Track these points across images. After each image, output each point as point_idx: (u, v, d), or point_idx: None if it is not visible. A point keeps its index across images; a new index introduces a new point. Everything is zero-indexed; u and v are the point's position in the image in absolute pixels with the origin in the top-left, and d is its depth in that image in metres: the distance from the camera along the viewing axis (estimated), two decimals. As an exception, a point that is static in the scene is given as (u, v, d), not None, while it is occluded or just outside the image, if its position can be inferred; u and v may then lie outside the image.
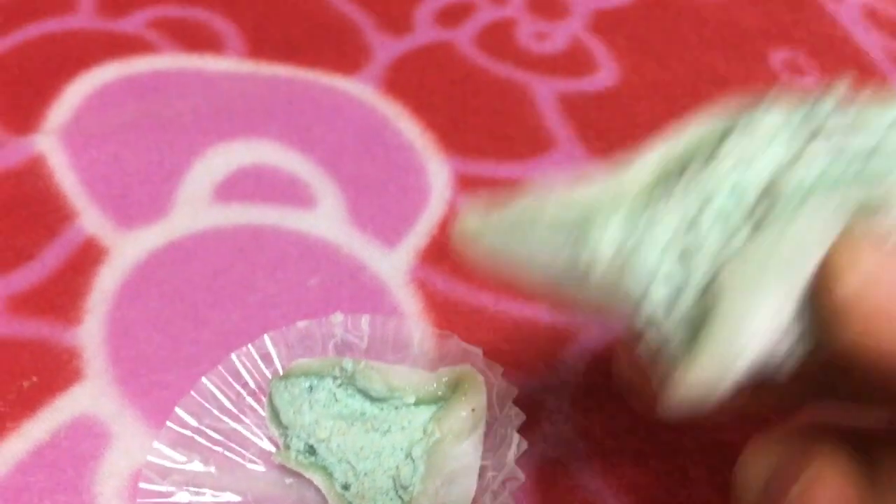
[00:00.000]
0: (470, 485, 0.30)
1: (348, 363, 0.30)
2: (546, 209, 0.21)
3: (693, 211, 0.20)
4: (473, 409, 0.29)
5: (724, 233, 0.19)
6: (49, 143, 0.42)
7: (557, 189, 0.21)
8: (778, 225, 0.18)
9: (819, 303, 0.17)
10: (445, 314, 0.37)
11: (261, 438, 0.32)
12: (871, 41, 0.50)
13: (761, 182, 0.19)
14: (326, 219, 0.41)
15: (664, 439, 0.34)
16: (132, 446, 0.33)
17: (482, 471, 0.30)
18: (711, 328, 0.18)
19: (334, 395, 0.30)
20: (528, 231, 0.21)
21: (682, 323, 0.19)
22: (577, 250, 0.20)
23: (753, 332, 0.17)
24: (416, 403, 0.30)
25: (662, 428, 0.34)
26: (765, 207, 0.19)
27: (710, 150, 0.20)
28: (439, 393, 0.30)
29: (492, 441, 0.31)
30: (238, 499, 0.30)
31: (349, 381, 0.30)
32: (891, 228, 0.18)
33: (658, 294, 0.19)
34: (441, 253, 0.40)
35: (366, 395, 0.30)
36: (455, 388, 0.30)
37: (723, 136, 0.20)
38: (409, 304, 0.37)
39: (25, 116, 0.43)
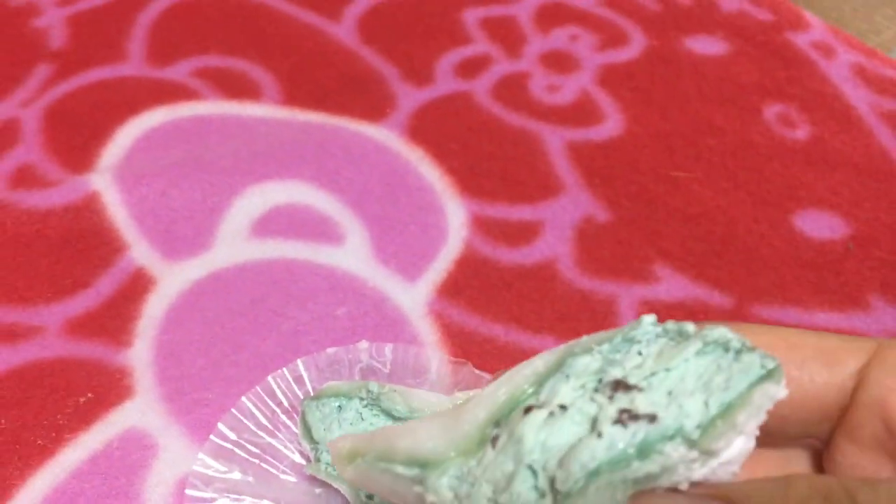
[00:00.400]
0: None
1: (374, 386, 0.34)
2: (397, 450, 0.22)
3: (510, 467, 0.20)
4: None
5: (531, 496, 0.20)
6: (103, 182, 0.46)
7: (408, 428, 0.23)
8: None
9: None
10: (460, 343, 0.41)
11: (293, 452, 0.36)
12: (858, 96, 0.54)
13: (560, 451, 0.20)
14: (353, 254, 0.45)
15: None
16: (177, 457, 0.36)
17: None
18: None
19: (361, 414, 0.34)
20: (386, 466, 0.22)
21: None
22: (423, 490, 0.22)
23: None
24: (434, 423, 0.33)
25: None
26: (560, 482, 0.19)
27: (532, 396, 0.21)
28: (454, 414, 0.33)
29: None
30: (273, 505, 0.34)
31: (374, 402, 0.34)
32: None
33: None
34: (457, 287, 0.43)
35: (389, 414, 0.34)
36: (469, 409, 0.33)
37: (541, 382, 0.21)
38: (428, 333, 0.41)
39: (81, 157, 0.48)
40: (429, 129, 0.51)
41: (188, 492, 0.33)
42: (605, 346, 0.21)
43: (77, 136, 0.49)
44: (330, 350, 0.38)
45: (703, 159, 0.50)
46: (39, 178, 0.46)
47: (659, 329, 0.22)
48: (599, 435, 0.19)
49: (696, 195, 0.48)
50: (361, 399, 0.34)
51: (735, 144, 0.51)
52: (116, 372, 0.39)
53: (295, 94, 0.52)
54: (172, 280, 0.43)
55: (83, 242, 0.44)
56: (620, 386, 0.20)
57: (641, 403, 0.20)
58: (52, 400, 0.38)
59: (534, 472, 0.20)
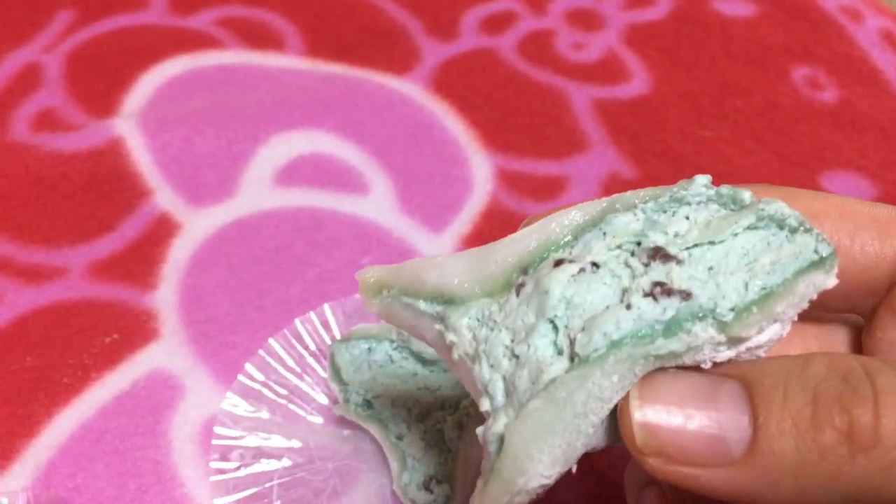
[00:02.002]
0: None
1: (405, 328, 0.34)
2: (424, 283, 0.21)
3: (532, 318, 0.19)
4: (516, 373, 0.33)
5: (548, 352, 0.19)
6: (127, 127, 0.46)
7: (436, 262, 0.21)
8: (580, 372, 0.18)
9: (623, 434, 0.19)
10: (486, 294, 0.41)
11: (320, 395, 0.36)
12: (886, 60, 0.53)
13: (585, 311, 0.19)
14: (378, 205, 0.44)
15: None
16: (203, 399, 0.36)
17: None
18: (501, 465, 0.19)
19: (390, 356, 0.34)
20: (410, 302, 0.22)
21: (496, 437, 0.19)
22: (443, 328, 0.21)
23: (530, 476, 0.19)
24: (464, 367, 0.33)
25: None
26: (580, 345, 0.19)
27: (564, 248, 0.20)
28: (485, 358, 0.33)
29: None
30: (300, 445, 0.34)
31: (404, 344, 0.34)
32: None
33: (496, 392, 0.20)
34: (482, 239, 0.43)
35: (418, 358, 0.34)
36: (499, 354, 0.33)
37: (576, 235, 0.20)
38: (454, 284, 0.41)
39: (104, 102, 0.47)
40: (454, 84, 0.51)
41: (217, 429, 0.33)
42: (651, 205, 0.20)
43: (99, 81, 0.48)
44: (357, 296, 0.38)
45: (729, 119, 0.50)
46: (62, 122, 0.46)
47: (712, 192, 0.20)
48: (628, 306, 0.18)
49: (723, 154, 0.48)
50: (391, 341, 0.34)
51: (762, 105, 0.51)
52: (142, 314, 0.39)
53: (318, 46, 0.52)
54: (197, 226, 0.42)
55: (107, 186, 0.43)
56: (659, 254, 0.19)
57: (677, 277, 0.19)
58: (77, 340, 0.38)
59: (555, 328, 0.19)
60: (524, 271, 0.20)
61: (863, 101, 0.51)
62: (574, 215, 0.21)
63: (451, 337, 0.21)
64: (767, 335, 0.19)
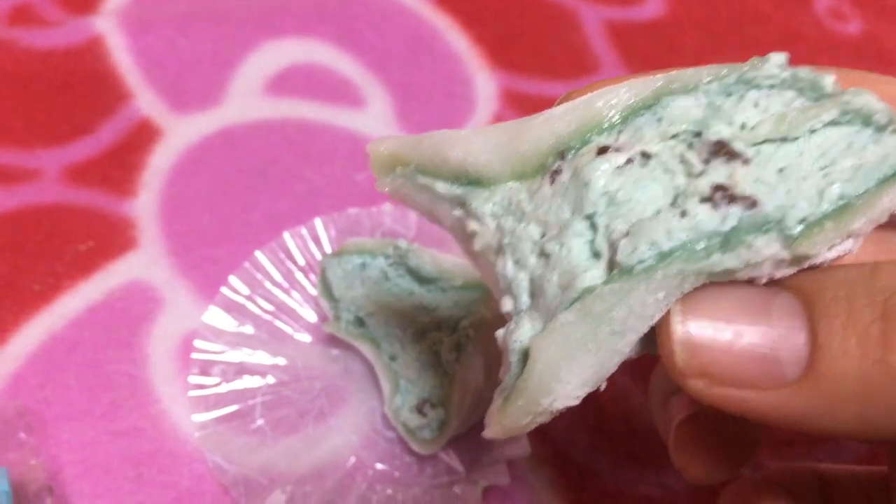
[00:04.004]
0: (508, 369, 0.31)
1: (403, 243, 0.31)
2: (446, 159, 0.19)
3: (567, 213, 0.17)
4: (519, 295, 0.31)
5: (583, 255, 0.17)
6: (107, 25, 0.43)
7: (461, 136, 0.19)
8: (621, 285, 0.16)
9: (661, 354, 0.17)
10: (487, 217, 0.38)
11: (309, 312, 0.33)
12: (914, -5, 0.51)
13: (630, 212, 0.16)
14: (374, 120, 0.42)
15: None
16: (183, 313, 0.34)
17: (519, 358, 0.32)
18: (525, 384, 0.17)
19: (385, 273, 0.32)
20: (427, 182, 0.19)
21: (519, 348, 0.17)
22: (463, 214, 0.19)
23: (556, 398, 0.17)
24: (464, 287, 0.31)
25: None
26: (623, 253, 0.16)
27: (610, 131, 0.17)
28: (486, 279, 0.31)
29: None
30: (286, 363, 0.32)
31: (401, 260, 0.31)
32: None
33: (520, 293, 0.18)
34: (484, 161, 0.41)
35: (415, 276, 0.31)
36: (502, 274, 0.31)
37: (626, 118, 0.17)
38: (453, 205, 0.39)
39: (83, -2, 0.44)
40: (458, -3, 0.48)
41: (197, 342, 0.31)
42: (714, 86, 0.17)
43: (79, -23, 0.45)
44: (351, 210, 0.35)
45: (748, 48, 0.47)
46: (39, 18, 0.43)
47: (787, 74, 0.17)
48: (683, 213, 0.16)
49: (739, 84, 0.45)
50: (387, 257, 0.32)
51: (782, 34, 0.48)
52: (119, 222, 0.36)
53: (315, -49, 0.49)
54: (180, 133, 0.40)
55: (85, 87, 0.40)
56: (722, 150, 0.16)
57: (742, 180, 0.16)
58: (49, 246, 0.35)
59: (593, 227, 0.17)
60: (561, 155, 0.17)
61: (887, 37, 0.49)
62: (624, 94, 0.17)
63: (472, 225, 0.18)
64: (837, 251, 0.16)
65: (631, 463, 0.32)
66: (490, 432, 0.18)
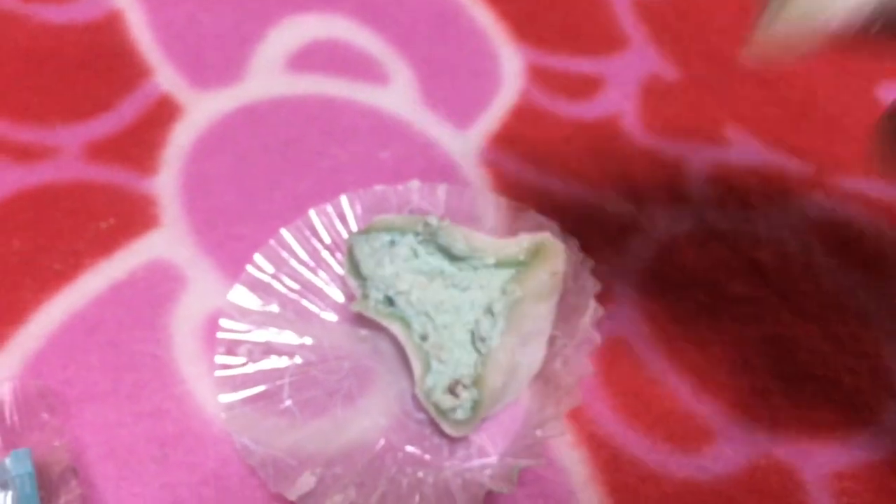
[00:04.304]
0: (541, 348, 0.30)
1: (433, 220, 0.30)
2: None
3: None
4: (554, 273, 0.30)
5: None
6: (126, 0, 0.42)
7: None
8: None
9: None
10: (516, 194, 0.37)
11: (336, 291, 0.32)
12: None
13: None
14: (398, 96, 0.41)
15: (728, 329, 0.34)
16: (207, 292, 0.33)
17: (552, 339, 0.31)
18: None
19: (415, 251, 0.31)
20: None
21: None
22: None
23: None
24: (496, 265, 0.30)
25: (727, 318, 0.34)
26: None
27: None
28: (520, 257, 0.30)
29: (564, 311, 0.31)
30: (314, 342, 0.31)
31: (431, 237, 0.30)
32: None
33: None
34: (511, 138, 0.40)
35: (446, 253, 0.31)
36: (536, 253, 0.30)
37: None
38: (481, 183, 0.38)
39: (101, -27, 0.43)
40: (483, -28, 0.46)
41: (223, 321, 0.30)
42: None
43: (96, -49, 0.44)
44: (377, 187, 0.34)
45: (780, 23, 0.46)
46: (55, -7, 0.42)
47: None
48: None
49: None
50: (416, 234, 0.31)
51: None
52: (141, 199, 0.35)
53: (337, -75, 0.48)
54: (201, 110, 0.39)
55: (104, 63, 0.40)
56: None
57: None
58: (69, 223, 0.34)
59: None
60: None
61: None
62: None
63: None
64: None
65: (669, 445, 0.31)
66: (751, 49, 0.16)
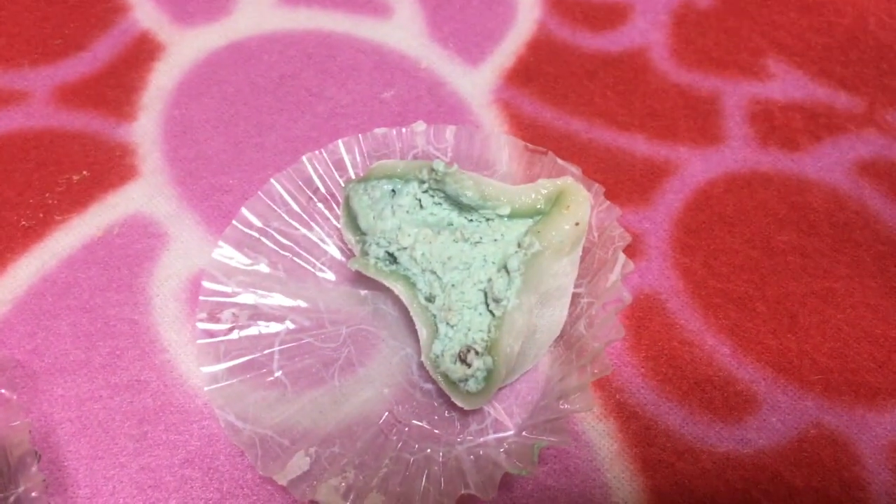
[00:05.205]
0: (562, 308, 0.27)
1: (440, 165, 0.27)
2: None
3: None
4: (577, 223, 0.26)
5: None
6: (100, -72, 0.38)
7: None
8: None
9: None
10: (532, 138, 0.34)
11: (332, 247, 0.29)
12: None
13: None
14: (403, 30, 0.37)
15: (773, 283, 0.30)
16: (191, 249, 0.30)
17: (575, 298, 0.27)
18: None
19: (419, 201, 0.27)
20: None
21: None
22: None
23: None
24: (512, 215, 0.27)
25: (771, 271, 0.31)
26: None
27: None
28: (539, 206, 0.27)
29: (588, 266, 0.28)
30: (307, 305, 0.28)
31: (438, 185, 0.27)
32: None
33: None
34: (528, 74, 0.36)
35: (454, 203, 0.27)
36: (556, 201, 0.27)
37: None
38: (493, 125, 0.34)
39: None
40: None
41: (205, 283, 0.27)
42: None
43: None
44: (378, 131, 0.31)
45: None
46: (22, -79, 0.38)
47: None
48: None
49: (818, -17, 0.40)
50: (421, 182, 0.27)
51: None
52: (117, 148, 0.32)
53: None
54: (184, 48, 0.35)
55: (76, -2, 0.36)
56: None
57: None
58: (38, 176, 0.31)
59: None
60: None
61: None
62: None
63: None
64: None
65: (707, 415, 0.27)
66: None
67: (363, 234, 0.27)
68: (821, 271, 0.31)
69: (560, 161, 0.29)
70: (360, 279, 0.28)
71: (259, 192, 0.29)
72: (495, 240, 0.27)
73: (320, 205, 0.30)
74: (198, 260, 0.30)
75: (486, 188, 0.27)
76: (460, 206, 0.27)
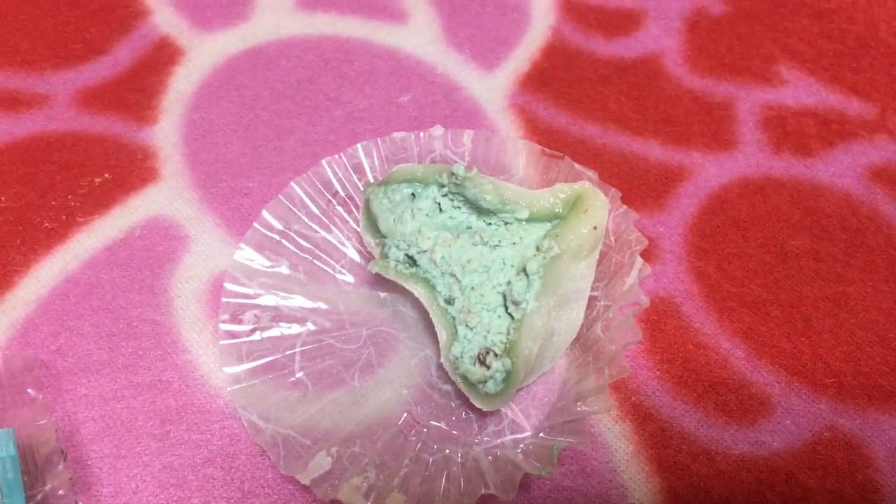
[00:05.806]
0: (580, 311, 0.27)
1: (459, 169, 0.27)
2: None
3: None
4: (595, 227, 0.26)
5: None
6: (120, -66, 0.38)
7: None
8: None
9: None
10: (547, 143, 0.34)
11: (351, 250, 0.29)
12: None
13: None
14: (419, 35, 0.37)
15: (787, 287, 0.31)
16: (211, 251, 0.30)
17: (592, 301, 0.28)
18: None
19: (439, 204, 0.27)
20: None
21: None
22: None
23: None
24: (530, 219, 0.27)
25: (785, 275, 0.31)
26: None
27: None
28: (557, 210, 0.27)
29: (605, 269, 0.28)
30: (328, 307, 0.28)
31: (457, 189, 0.27)
32: None
33: None
34: (543, 79, 0.36)
35: (473, 206, 0.27)
36: (574, 205, 0.27)
37: None
38: (508, 130, 0.34)
39: None
40: None
41: (227, 285, 0.27)
42: None
43: None
44: (397, 135, 0.31)
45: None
46: (44, -73, 0.39)
47: None
48: None
49: (829, -10, 0.40)
50: (441, 186, 0.27)
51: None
52: (138, 151, 0.32)
53: None
54: (203, 52, 0.35)
55: (97, 3, 0.36)
56: None
57: None
58: (61, 178, 0.31)
59: None
60: None
61: None
62: None
63: None
64: None
65: (722, 418, 0.28)
66: None
67: (383, 237, 0.28)
68: (834, 276, 0.31)
69: (577, 166, 0.30)
70: (379, 281, 0.29)
71: (279, 195, 0.30)
72: (514, 243, 0.27)
73: (339, 208, 0.30)
74: (218, 262, 0.30)
75: (505, 192, 0.27)
76: (479, 209, 0.27)
